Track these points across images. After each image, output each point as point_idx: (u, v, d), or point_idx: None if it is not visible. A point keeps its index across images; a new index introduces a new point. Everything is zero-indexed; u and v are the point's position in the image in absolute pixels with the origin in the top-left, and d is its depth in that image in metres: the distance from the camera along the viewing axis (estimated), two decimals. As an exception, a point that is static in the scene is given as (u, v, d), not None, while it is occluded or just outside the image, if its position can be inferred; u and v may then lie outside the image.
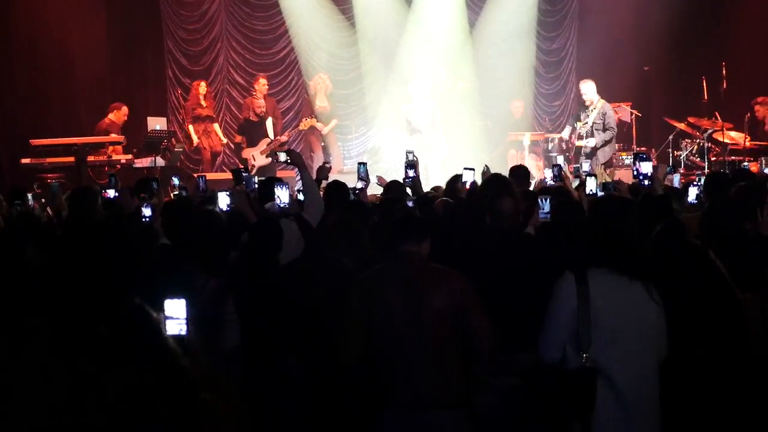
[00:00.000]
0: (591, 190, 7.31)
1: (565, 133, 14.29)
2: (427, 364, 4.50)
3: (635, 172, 7.08)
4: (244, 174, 7.80)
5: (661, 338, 4.19)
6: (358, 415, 4.92)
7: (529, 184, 8.21)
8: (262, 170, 13.76)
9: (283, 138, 14.74)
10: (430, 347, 4.52)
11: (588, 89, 13.83)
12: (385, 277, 4.70)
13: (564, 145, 14.80)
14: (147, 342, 2.84)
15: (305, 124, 15.05)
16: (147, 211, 6.47)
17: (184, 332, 3.16)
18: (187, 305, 3.23)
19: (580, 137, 13.80)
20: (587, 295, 4.08)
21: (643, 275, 4.16)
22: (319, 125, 15.16)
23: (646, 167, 6.91)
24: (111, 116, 14.08)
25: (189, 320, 3.22)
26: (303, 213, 6.63)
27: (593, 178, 7.47)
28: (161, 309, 3.17)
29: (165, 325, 3.10)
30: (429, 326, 4.53)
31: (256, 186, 7.53)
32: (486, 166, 8.41)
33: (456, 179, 7.83)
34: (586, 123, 13.64)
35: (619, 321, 4.10)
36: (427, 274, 4.66)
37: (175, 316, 3.20)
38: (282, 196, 6.41)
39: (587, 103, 13.85)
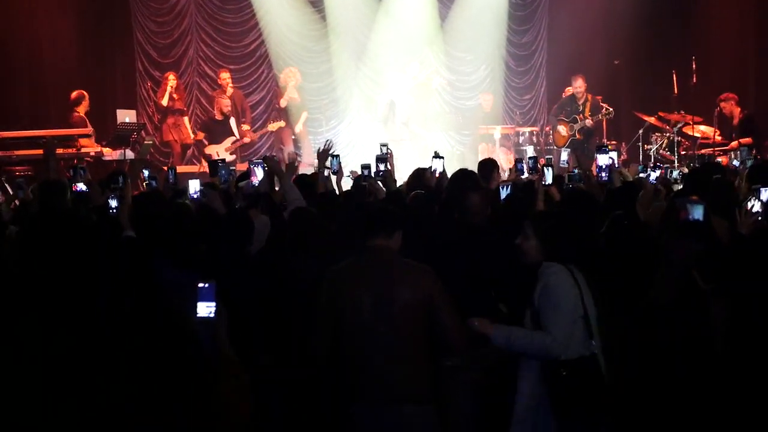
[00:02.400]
0: (548, 183, 7.17)
1: (562, 130, 14.65)
2: (395, 359, 4.49)
3: (596, 167, 7.06)
4: (220, 165, 7.57)
5: None
6: (328, 408, 4.92)
7: (498, 178, 8.21)
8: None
9: (247, 140, 14.79)
10: (399, 341, 4.50)
11: (581, 85, 14.77)
12: (354, 271, 4.67)
13: (535, 138, 15.03)
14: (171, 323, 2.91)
15: (273, 126, 15.14)
16: (113, 203, 6.44)
17: (213, 315, 3.26)
18: (217, 289, 3.29)
19: (581, 129, 14.55)
20: (580, 285, 4.12)
21: (590, 271, 4.21)
22: (281, 124, 15.25)
23: (603, 159, 6.85)
24: (80, 110, 13.91)
25: (218, 304, 3.29)
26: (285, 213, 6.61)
27: (550, 168, 7.34)
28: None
29: (196, 307, 3.19)
30: (397, 321, 4.51)
31: (230, 176, 7.41)
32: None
33: (423, 170, 7.85)
34: (592, 115, 14.53)
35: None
36: (397, 268, 4.63)
37: (206, 299, 3.27)
38: (257, 173, 6.46)
39: (579, 96, 14.71)
